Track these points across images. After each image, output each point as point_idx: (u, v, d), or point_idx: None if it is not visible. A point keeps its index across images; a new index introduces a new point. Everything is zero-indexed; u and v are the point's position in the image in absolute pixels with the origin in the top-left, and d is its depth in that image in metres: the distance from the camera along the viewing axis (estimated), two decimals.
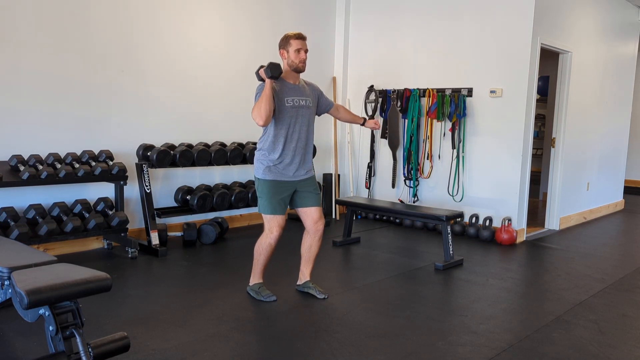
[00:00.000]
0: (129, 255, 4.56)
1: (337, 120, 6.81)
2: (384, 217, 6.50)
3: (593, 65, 6.66)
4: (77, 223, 4.29)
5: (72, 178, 4.31)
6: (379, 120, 6.51)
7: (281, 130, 3.50)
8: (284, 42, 3.54)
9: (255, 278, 3.73)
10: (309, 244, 3.74)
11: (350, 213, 5.36)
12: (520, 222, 5.66)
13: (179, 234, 5.18)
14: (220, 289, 3.88)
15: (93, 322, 3.13)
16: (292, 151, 3.54)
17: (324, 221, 3.74)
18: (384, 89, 6.43)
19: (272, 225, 3.56)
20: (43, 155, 4.43)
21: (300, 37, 3.53)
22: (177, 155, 4.95)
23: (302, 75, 3.66)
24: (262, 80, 3.42)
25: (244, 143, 5.65)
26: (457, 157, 5.90)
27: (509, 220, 5.53)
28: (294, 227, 3.83)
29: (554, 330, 3.29)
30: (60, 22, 4.50)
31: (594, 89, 6.75)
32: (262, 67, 3.42)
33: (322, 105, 3.79)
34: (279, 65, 3.39)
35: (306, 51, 3.55)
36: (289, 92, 3.52)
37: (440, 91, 5.97)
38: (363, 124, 4.03)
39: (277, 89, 3.48)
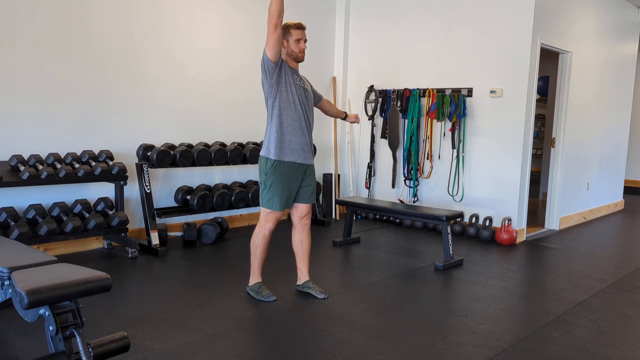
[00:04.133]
0: (129, 255, 4.56)
1: (337, 120, 6.83)
2: (384, 217, 6.50)
3: (593, 65, 6.66)
4: (77, 223, 4.29)
5: (72, 178, 4.31)
6: (379, 120, 6.53)
7: (291, 107, 3.52)
8: (284, 31, 3.54)
9: (254, 277, 3.73)
10: (299, 239, 3.77)
11: (350, 213, 5.36)
12: (520, 222, 5.66)
13: (179, 234, 5.18)
14: (220, 288, 3.88)
15: (93, 322, 3.13)
16: (300, 129, 3.56)
17: (311, 216, 3.79)
18: (384, 89, 6.43)
19: (270, 217, 3.59)
20: (43, 155, 4.43)
21: (300, 27, 3.56)
22: (177, 155, 4.95)
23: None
24: None
25: (244, 143, 5.65)
26: (457, 157, 5.90)
27: (509, 220, 5.53)
28: (291, 226, 3.83)
29: (554, 330, 3.29)
30: (61, 22, 4.50)
31: (594, 89, 6.75)
32: None
33: (314, 95, 3.85)
34: None
35: (305, 41, 3.58)
36: (294, 74, 3.57)
37: (440, 91, 5.96)
38: (344, 118, 4.08)
39: (285, 70, 3.51)
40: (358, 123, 4.17)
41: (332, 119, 6.78)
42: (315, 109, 3.86)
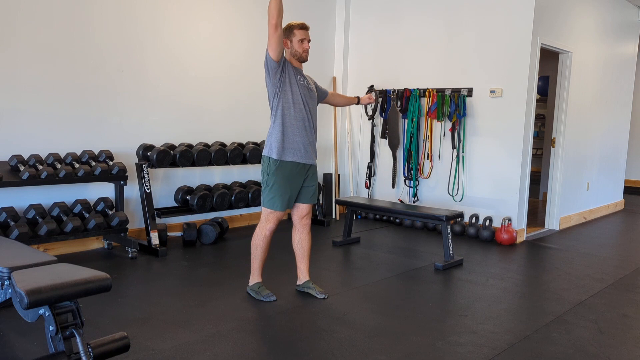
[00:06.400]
0: (129, 255, 4.56)
1: (337, 120, 6.83)
2: (384, 217, 6.49)
3: (593, 65, 6.66)
4: (77, 223, 4.29)
5: (72, 178, 4.31)
6: (379, 120, 6.53)
7: (294, 107, 3.52)
8: (288, 31, 3.56)
9: (254, 277, 3.73)
10: (299, 239, 3.77)
11: (350, 213, 5.36)
12: (520, 222, 5.66)
13: (179, 234, 5.18)
14: (220, 289, 3.88)
15: (93, 322, 3.13)
16: (304, 129, 3.56)
17: (311, 216, 3.80)
18: (384, 89, 6.43)
19: (271, 217, 3.59)
20: (43, 155, 4.43)
21: (304, 27, 3.57)
22: (177, 155, 4.95)
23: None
24: None
25: (244, 143, 5.65)
26: (457, 157, 5.90)
27: (509, 220, 5.53)
28: (291, 226, 3.83)
29: (554, 330, 3.29)
30: (60, 22, 4.50)
31: (594, 89, 6.75)
32: None
33: (319, 93, 3.85)
34: None
35: (309, 41, 3.59)
36: (297, 73, 3.57)
37: (440, 91, 5.96)
38: (358, 103, 4.12)
39: (288, 69, 3.51)
40: (373, 103, 4.15)
41: (332, 118, 6.79)
42: (320, 106, 3.83)
